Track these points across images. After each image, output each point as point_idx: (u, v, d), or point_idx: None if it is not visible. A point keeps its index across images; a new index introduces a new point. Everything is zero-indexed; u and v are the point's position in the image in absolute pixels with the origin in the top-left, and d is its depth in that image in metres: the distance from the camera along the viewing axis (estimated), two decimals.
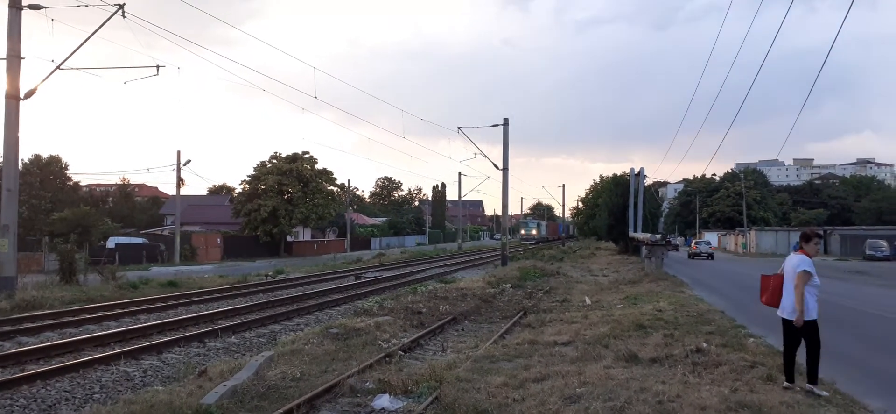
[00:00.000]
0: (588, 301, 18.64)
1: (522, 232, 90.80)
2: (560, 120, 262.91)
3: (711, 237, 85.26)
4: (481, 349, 11.27)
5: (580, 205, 78.57)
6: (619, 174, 58.07)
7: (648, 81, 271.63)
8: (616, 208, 52.68)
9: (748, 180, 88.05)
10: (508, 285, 23.59)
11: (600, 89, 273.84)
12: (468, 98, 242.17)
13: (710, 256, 52.33)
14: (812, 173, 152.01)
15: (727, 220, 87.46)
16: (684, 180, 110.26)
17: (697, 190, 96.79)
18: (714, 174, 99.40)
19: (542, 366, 9.48)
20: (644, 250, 35.19)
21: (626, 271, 30.87)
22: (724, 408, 7.06)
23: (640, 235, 41.48)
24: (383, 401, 8.06)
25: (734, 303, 18.41)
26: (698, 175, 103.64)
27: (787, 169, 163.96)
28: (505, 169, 40.22)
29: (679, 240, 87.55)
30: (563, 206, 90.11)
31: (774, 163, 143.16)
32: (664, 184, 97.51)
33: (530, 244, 78.31)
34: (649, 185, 54.19)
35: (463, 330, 14.69)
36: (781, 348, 8.44)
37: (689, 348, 10.13)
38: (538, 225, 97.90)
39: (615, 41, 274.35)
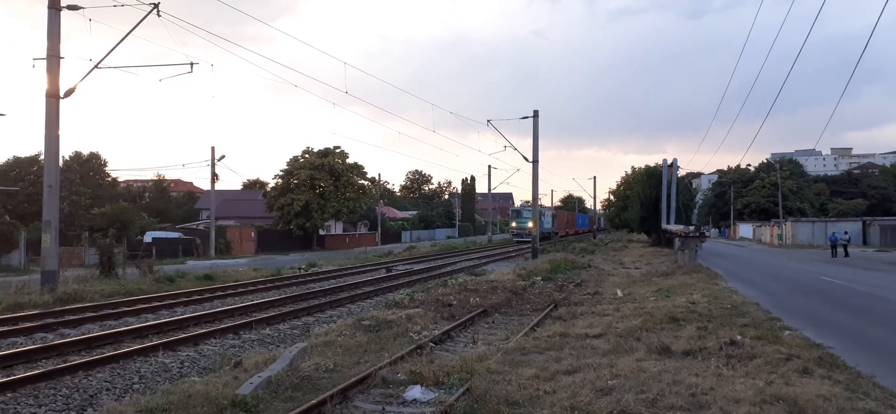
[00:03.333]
0: (620, 294, 18.52)
1: (513, 225, 67.45)
2: (591, 111, 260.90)
3: (746, 229, 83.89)
4: (512, 342, 11.29)
5: (611, 197, 76.93)
6: (651, 165, 57.44)
7: (682, 71, 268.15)
8: (648, 200, 52.09)
9: (784, 170, 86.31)
10: (539, 278, 23.52)
11: (632, 79, 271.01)
12: (498, 91, 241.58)
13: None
14: (851, 163, 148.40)
15: (762, 211, 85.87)
16: (718, 171, 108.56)
17: (732, 181, 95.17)
18: (749, 165, 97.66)
19: (573, 358, 9.47)
20: (677, 242, 34.77)
21: (659, 264, 30.55)
22: (758, 401, 6.99)
23: (672, 227, 40.97)
24: (415, 392, 8.14)
25: (769, 295, 18.12)
26: (733, 166, 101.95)
27: (824, 158, 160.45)
28: (535, 161, 40.05)
29: (713, 231, 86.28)
30: (595, 198, 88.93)
31: (811, 152, 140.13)
32: (698, 175, 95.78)
33: (524, 239, 60.15)
34: (682, 177, 53.53)
35: (493, 322, 14.72)
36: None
37: (722, 341, 10.02)
38: (541, 215, 68.66)
39: (647, 30, 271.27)
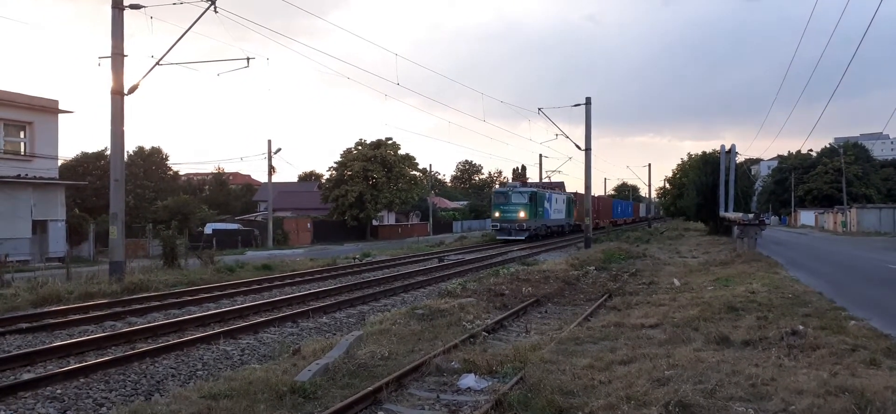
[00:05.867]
0: (676, 283, 18.20)
1: (496, 215, 45.46)
2: (646, 97, 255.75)
3: (808, 216, 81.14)
4: (565, 331, 11.24)
5: (667, 185, 75.11)
6: (708, 152, 56.08)
7: (740, 54, 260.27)
8: (704, 187, 50.92)
9: (848, 155, 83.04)
10: (592, 268, 23.30)
11: (688, 64, 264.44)
12: (549, 78, 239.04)
13: None
14: None
15: (825, 197, 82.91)
16: (778, 157, 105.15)
17: (792, 167, 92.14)
18: (810, 150, 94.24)
19: (628, 348, 9.38)
20: (736, 230, 33.93)
21: (717, 253, 29.87)
22: (823, 392, 6.79)
23: (731, 215, 39.97)
24: (469, 380, 8.20)
25: (833, 284, 17.53)
26: (793, 151, 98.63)
27: (892, 142, 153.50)
28: (587, 149, 39.62)
29: (773, 219, 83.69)
30: (649, 185, 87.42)
31: (878, 136, 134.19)
32: (757, 161, 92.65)
33: (513, 236, 43.24)
34: (741, 163, 52.06)
35: (546, 312, 14.67)
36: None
37: (784, 331, 9.77)
38: (547, 200, 49.80)
39: (703, 13, 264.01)
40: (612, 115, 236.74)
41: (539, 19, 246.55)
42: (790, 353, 8.67)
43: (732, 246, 31.87)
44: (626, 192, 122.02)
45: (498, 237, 44.90)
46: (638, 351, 9.11)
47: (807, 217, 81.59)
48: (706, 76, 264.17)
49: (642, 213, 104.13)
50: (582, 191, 47.87)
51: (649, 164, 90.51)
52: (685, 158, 63.91)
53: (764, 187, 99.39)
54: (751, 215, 33.12)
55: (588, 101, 39.35)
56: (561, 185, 78.14)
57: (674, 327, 10.83)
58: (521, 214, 43.92)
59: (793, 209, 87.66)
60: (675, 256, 30.26)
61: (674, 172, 67.00)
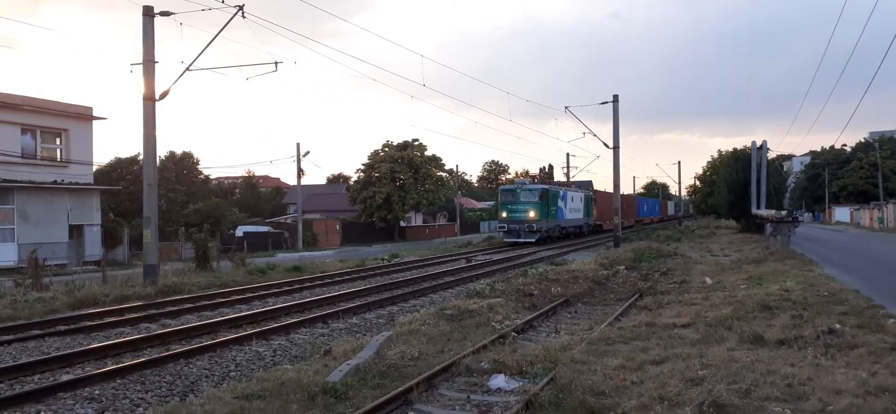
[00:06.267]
0: (708, 281, 17.97)
1: (504, 215, 40.85)
2: (674, 94, 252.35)
3: (842, 212, 79.46)
4: (596, 331, 11.16)
5: (697, 183, 74.02)
6: (739, 148, 55.28)
7: (770, 48, 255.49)
8: (736, 184, 50.19)
9: (885, 150, 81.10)
10: (622, 267, 23.10)
11: (717, 60, 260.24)
12: (575, 76, 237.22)
13: None
14: None
15: (861, 193, 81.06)
16: (811, 152, 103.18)
17: (826, 162, 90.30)
18: (844, 145, 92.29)
19: (660, 348, 9.28)
20: (769, 228, 33.38)
21: (749, 250, 29.41)
22: (862, 392, 6.65)
23: (763, 212, 39.33)
24: (499, 381, 8.20)
25: (870, 282, 17.14)
26: (827, 146, 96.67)
27: None
28: (615, 147, 39.26)
29: (806, 216, 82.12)
30: (679, 183, 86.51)
31: None
32: (789, 157, 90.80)
33: (523, 239, 39.13)
34: (773, 159, 51.19)
35: (576, 312, 14.59)
36: None
37: (820, 330, 9.57)
38: (562, 198, 45.27)
39: (732, 8, 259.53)
40: (640, 112, 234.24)
41: (563, 18, 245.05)
42: (827, 352, 8.50)
43: (765, 244, 31.36)
44: (655, 191, 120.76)
45: (506, 240, 40.90)
46: (670, 351, 9.01)
47: (842, 213, 79.90)
48: (735, 72, 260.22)
49: (671, 211, 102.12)
50: (606, 190, 47.28)
51: (679, 162, 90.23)
52: (715, 156, 63.14)
53: (797, 184, 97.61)
54: (784, 212, 32.57)
55: (615, 99, 39.01)
56: (588, 184, 77.03)
57: (706, 327, 10.69)
58: (531, 214, 39.83)
59: (827, 206, 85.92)
60: (707, 255, 29.87)
61: (704, 170, 66.27)
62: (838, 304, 12.60)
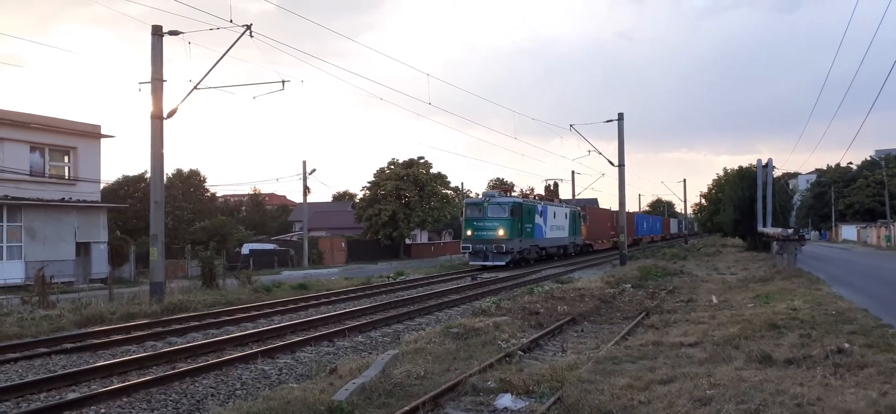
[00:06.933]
0: (715, 300, 17.89)
1: (468, 233, 36.01)
2: (680, 112, 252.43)
3: (849, 231, 79.10)
4: (603, 350, 11.11)
5: (702, 201, 73.83)
6: (744, 166, 55.25)
7: (775, 67, 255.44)
8: (742, 202, 50.13)
9: (891, 168, 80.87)
10: (628, 285, 23.03)
11: (722, 78, 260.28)
12: (581, 95, 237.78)
13: None
14: None
15: (867, 211, 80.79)
16: (817, 171, 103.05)
17: (832, 180, 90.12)
18: (850, 163, 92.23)
19: (668, 367, 9.24)
20: (775, 246, 33.26)
21: (756, 269, 29.30)
22: (872, 412, 6.61)
23: (770, 230, 39.24)
24: (505, 400, 8.16)
25: (879, 301, 17.04)
26: (832, 164, 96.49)
27: None
28: (621, 165, 39.29)
29: (812, 234, 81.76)
30: (685, 201, 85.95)
31: None
32: (794, 175, 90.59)
33: (491, 262, 34.06)
34: (778, 177, 51.17)
35: (582, 331, 14.53)
36: None
37: (829, 349, 9.52)
38: (540, 214, 39.76)
39: (737, 27, 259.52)
40: (646, 130, 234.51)
41: (570, 37, 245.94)
42: (836, 371, 8.45)
43: (772, 262, 31.24)
44: (661, 209, 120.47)
45: (470, 263, 35.25)
46: (678, 370, 8.97)
47: (848, 232, 79.55)
48: (741, 90, 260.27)
49: (674, 229, 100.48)
50: (611, 207, 46.97)
51: (684, 180, 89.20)
52: (721, 173, 63.05)
53: (802, 202, 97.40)
54: (790, 230, 32.48)
55: (620, 117, 39.10)
56: (594, 202, 76.32)
57: (714, 346, 10.64)
58: (501, 232, 34.23)
59: (833, 224, 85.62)
60: (713, 273, 29.75)
61: (709, 188, 66.07)
62: (847, 323, 12.53)
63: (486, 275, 30.12)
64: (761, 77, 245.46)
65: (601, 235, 56.59)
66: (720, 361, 9.52)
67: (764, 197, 44.86)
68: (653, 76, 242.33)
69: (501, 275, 30.51)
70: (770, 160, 45.85)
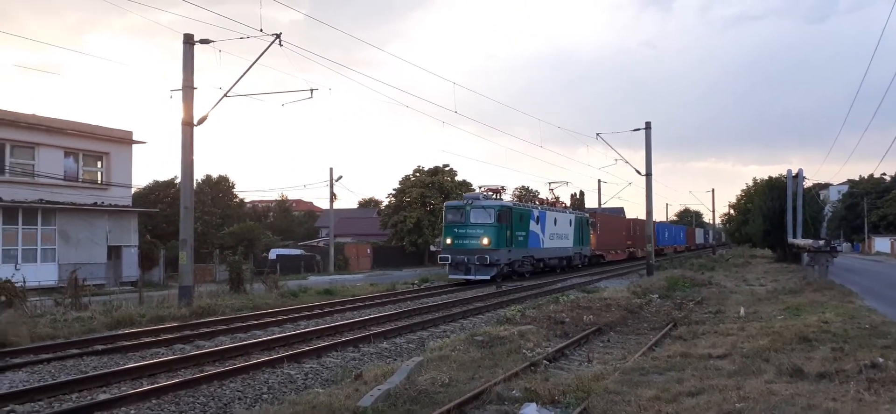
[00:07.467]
0: (742, 312, 17.63)
1: (448, 241, 30.87)
2: (707, 122, 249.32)
3: (883, 243, 77.47)
4: (630, 361, 11.01)
5: (731, 211, 72.67)
6: (774, 177, 54.46)
7: (805, 78, 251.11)
8: (771, 213, 49.38)
9: None
10: (655, 295, 22.79)
11: (751, 88, 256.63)
12: (607, 103, 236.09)
13: None
14: None
15: None
16: (849, 181, 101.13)
17: (865, 191, 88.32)
18: (884, 174, 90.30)
19: (696, 380, 9.12)
20: (806, 258, 32.67)
21: (786, 280, 28.79)
22: None
23: (800, 242, 38.56)
24: (530, 410, 8.11)
25: None
26: (865, 175, 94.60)
27: None
28: (648, 174, 38.93)
29: (845, 246, 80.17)
30: (713, 211, 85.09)
31: None
32: (826, 186, 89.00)
33: (473, 275, 29.74)
34: (809, 188, 50.27)
35: (609, 341, 14.41)
36: None
37: (862, 363, 9.32)
38: (535, 219, 34.75)
39: (766, 37, 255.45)
40: (673, 140, 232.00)
41: (595, 46, 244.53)
42: (870, 386, 8.27)
43: (802, 274, 30.70)
44: (688, 218, 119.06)
45: (450, 276, 30.64)
46: (706, 382, 8.85)
47: (882, 244, 77.91)
48: (770, 100, 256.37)
49: (700, 239, 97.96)
50: (639, 216, 46.47)
51: (712, 190, 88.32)
52: (750, 184, 62.22)
53: (834, 213, 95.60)
54: (821, 242, 31.90)
55: (648, 126, 38.78)
56: (620, 211, 75.46)
57: (743, 358, 10.48)
58: (484, 241, 29.86)
59: (866, 235, 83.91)
60: (742, 284, 29.31)
61: (738, 198, 65.26)
62: (881, 337, 12.26)
63: (469, 292, 25.95)
64: (791, 86, 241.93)
65: (615, 244, 52.12)
66: (749, 373, 9.38)
67: (794, 208, 44.15)
68: (680, 85, 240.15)
69: (525, 283, 30.29)
70: (800, 171, 45.15)
